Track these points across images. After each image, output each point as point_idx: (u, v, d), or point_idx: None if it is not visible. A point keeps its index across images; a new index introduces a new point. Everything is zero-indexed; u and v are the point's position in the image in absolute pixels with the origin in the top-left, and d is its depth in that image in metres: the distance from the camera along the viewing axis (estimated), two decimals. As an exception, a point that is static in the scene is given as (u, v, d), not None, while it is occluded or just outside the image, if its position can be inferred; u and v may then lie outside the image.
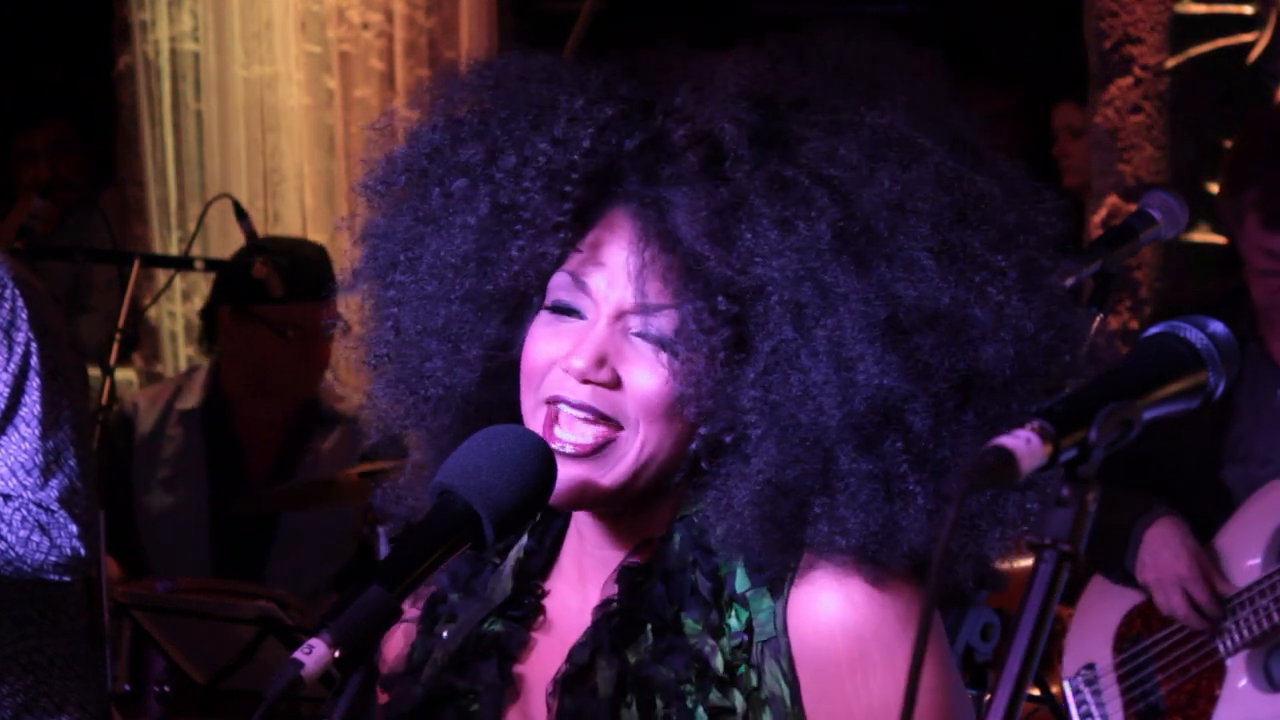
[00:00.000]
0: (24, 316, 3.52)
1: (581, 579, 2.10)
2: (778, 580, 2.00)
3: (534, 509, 1.99)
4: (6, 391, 3.49)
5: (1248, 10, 6.08)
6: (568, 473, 2.00)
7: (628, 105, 2.03)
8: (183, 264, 5.75)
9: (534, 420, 2.03)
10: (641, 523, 2.06)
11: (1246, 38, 6.08)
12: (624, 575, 2.04)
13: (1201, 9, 6.12)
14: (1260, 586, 4.19)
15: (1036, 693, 4.43)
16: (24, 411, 3.51)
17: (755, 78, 2.03)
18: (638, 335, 2.00)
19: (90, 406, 4.31)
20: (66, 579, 3.55)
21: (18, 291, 3.53)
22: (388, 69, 7.18)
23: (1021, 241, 2.01)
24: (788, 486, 1.96)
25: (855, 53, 2.08)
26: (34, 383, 3.51)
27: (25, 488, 3.48)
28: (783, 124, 2.00)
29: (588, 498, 2.02)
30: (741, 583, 2.01)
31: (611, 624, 2.03)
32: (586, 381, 2.00)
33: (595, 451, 2.00)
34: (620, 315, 2.00)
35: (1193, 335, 1.70)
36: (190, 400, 5.51)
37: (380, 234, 2.13)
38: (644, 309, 1.99)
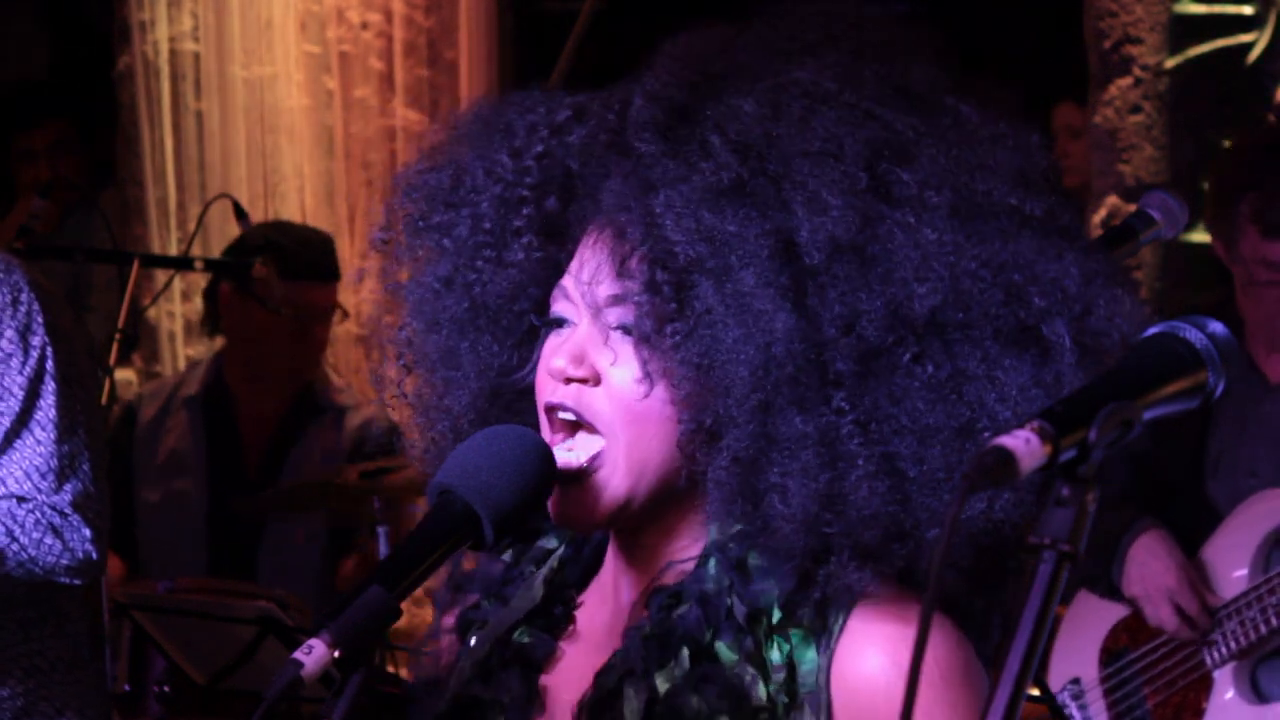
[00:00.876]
0: (39, 321, 3.56)
1: (615, 593, 2.06)
2: (823, 632, 1.94)
3: (534, 509, 1.98)
4: (21, 395, 3.53)
5: (1248, 10, 6.08)
6: (566, 495, 1.99)
7: (580, 109, 2.04)
8: (182, 264, 5.76)
9: (544, 436, 2.02)
10: (669, 537, 2.02)
11: (1246, 38, 6.08)
12: (654, 598, 1.99)
13: (1201, 9, 6.12)
14: (1248, 598, 4.18)
15: (1036, 693, 4.43)
16: (39, 415, 3.54)
17: (692, 53, 2.04)
18: (616, 329, 1.99)
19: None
20: (77, 582, 3.58)
21: (33, 296, 3.58)
22: (387, 69, 7.19)
23: (965, 180, 1.95)
24: (749, 460, 1.91)
25: (803, 16, 2.06)
26: (49, 387, 3.55)
27: (40, 491, 3.52)
28: (704, 94, 1.99)
29: (591, 519, 2.00)
30: (779, 615, 1.95)
31: (642, 648, 1.97)
32: (570, 380, 1.99)
33: (588, 471, 1.99)
34: (596, 313, 2.00)
35: (1192, 335, 1.70)
36: (192, 388, 5.56)
37: (385, 281, 2.15)
38: (615, 300, 1.98)
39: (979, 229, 1.94)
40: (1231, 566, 4.23)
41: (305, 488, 5.31)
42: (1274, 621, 4.14)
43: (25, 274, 3.59)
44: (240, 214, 5.38)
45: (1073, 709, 4.41)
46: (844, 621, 1.94)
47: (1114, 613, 4.36)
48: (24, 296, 3.56)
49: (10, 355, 3.53)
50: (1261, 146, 4.37)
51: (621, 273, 1.97)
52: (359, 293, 7.39)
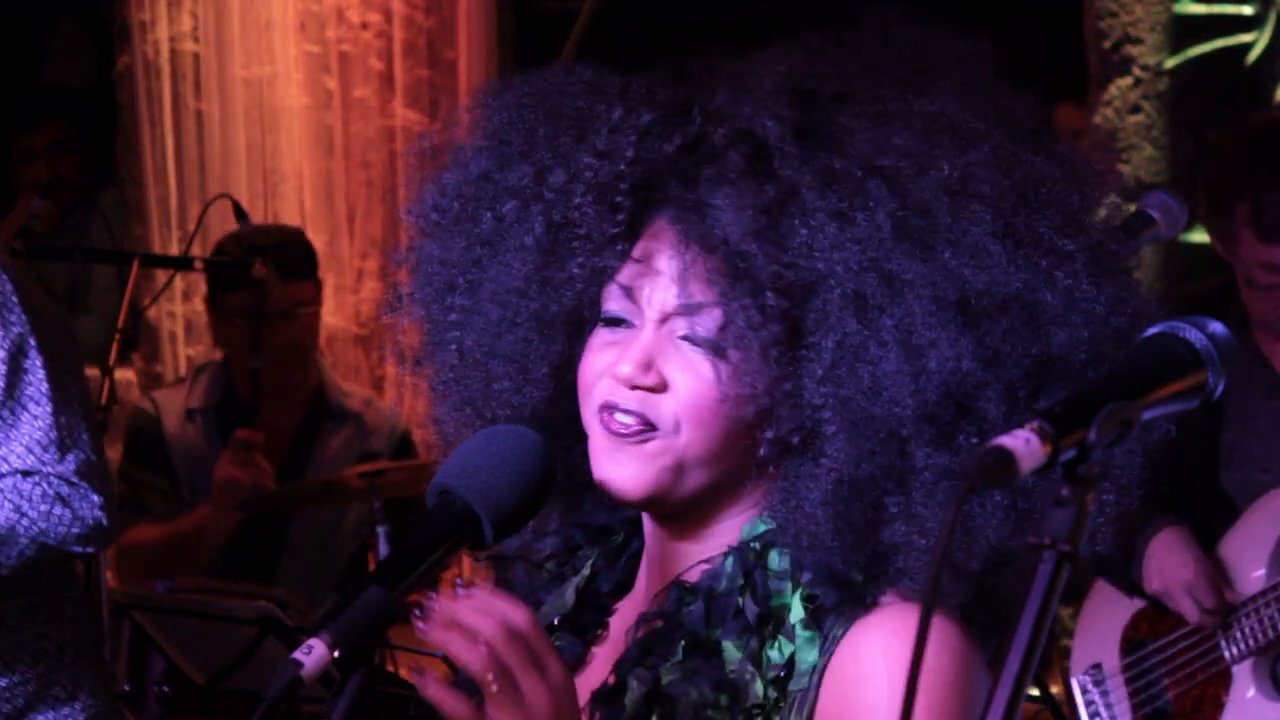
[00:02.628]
0: (14, 300, 3.57)
1: (646, 597, 2.07)
2: (829, 636, 1.95)
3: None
4: (4, 369, 3.52)
5: (1247, 10, 6.08)
6: (616, 456, 1.99)
7: (666, 110, 2.02)
8: (183, 264, 5.76)
9: (592, 429, 2.02)
10: (701, 539, 2.03)
11: (1246, 38, 6.08)
12: (671, 592, 2.01)
13: (1201, 9, 6.12)
14: (1266, 597, 4.19)
15: (1036, 693, 4.43)
16: (30, 390, 3.55)
17: (792, 73, 2.02)
18: (684, 339, 1.98)
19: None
20: (90, 549, 3.60)
21: (5, 276, 3.59)
22: (387, 69, 7.18)
23: (1087, 224, 1.98)
24: (861, 484, 1.92)
25: (896, 41, 2.07)
26: (36, 361, 3.56)
27: (44, 464, 3.54)
28: (825, 117, 1.99)
29: (639, 486, 1.99)
30: (796, 613, 1.96)
31: (650, 640, 1.99)
32: (636, 388, 1.98)
33: (640, 434, 1.98)
34: (665, 319, 1.99)
35: (1192, 335, 1.70)
36: (201, 397, 5.56)
37: (434, 259, 2.11)
38: (687, 310, 1.97)
39: (1097, 275, 1.97)
40: (1249, 565, 4.24)
41: (311, 488, 5.31)
42: None
43: None
44: (240, 214, 5.38)
45: (1094, 694, 4.43)
46: (850, 626, 1.95)
47: (1135, 602, 4.38)
48: None
49: None
50: (1251, 147, 4.35)
51: (726, 289, 1.96)
52: (359, 292, 7.40)
